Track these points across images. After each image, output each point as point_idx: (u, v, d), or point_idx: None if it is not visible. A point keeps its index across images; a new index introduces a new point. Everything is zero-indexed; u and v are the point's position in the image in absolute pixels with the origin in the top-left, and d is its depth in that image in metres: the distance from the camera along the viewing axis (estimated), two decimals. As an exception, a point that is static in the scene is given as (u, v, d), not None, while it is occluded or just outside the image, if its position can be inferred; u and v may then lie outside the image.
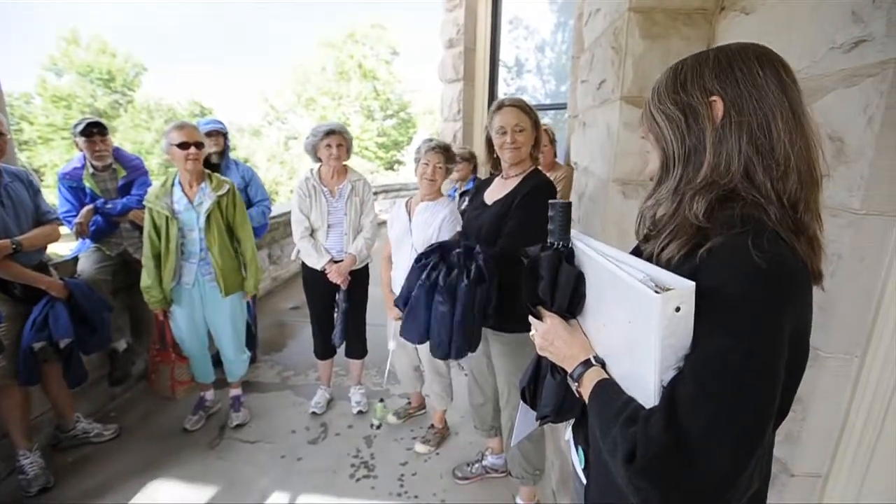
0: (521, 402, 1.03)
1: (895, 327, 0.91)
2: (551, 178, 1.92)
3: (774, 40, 1.18)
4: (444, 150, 2.18)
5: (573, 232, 0.87)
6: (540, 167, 1.91)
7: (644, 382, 0.66)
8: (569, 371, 0.84)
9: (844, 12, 0.92)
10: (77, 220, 2.49)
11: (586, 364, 0.80)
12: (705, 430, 0.57)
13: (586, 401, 0.79)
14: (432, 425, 2.59)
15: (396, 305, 1.89)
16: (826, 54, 0.98)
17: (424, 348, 2.34)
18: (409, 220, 2.25)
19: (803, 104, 0.69)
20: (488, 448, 2.32)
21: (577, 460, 0.93)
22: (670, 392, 0.61)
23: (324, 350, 2.78)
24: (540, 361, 0.95)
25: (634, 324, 0.68)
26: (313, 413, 2.76)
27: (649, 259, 0.74)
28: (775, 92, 0.68)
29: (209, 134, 2.89)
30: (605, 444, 0.68)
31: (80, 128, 2.48)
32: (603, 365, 0.79)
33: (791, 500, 1.07)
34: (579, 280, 0.83)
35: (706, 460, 0.57)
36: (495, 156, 1.87)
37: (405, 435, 2.60)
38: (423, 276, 1.73)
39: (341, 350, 2.79)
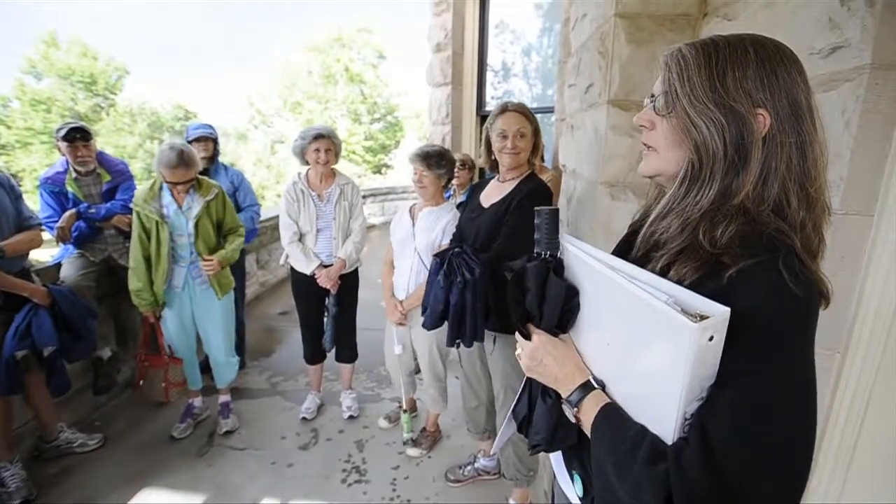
0: (510, 416, 0.95)
1: (874, 324, 0.94)
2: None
3: (755, 46, 1.21)
4: (423, 157, 2.19)
5: (567, 237, 0.80)
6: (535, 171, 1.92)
7: (661, 412, 0.60)
8: (564, 394, 0.75)
9: (822, 19, 0.95)
10: (58, 224, 2.44)
11: (586, 387, 0.72)
12: (750, 472, 0.53)
13: (586, 429, 0.71)
14: (424, 428, 2.59)
15: (429, 327, 1.92)
16: (805, 60, 1.00)
17: (425, 354, 2.34)
18: (413, 224, 2.26)
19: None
20: (481, 450, 2.32)
21: (570, 489, 0.85)
22: (701, 428, 0.55)
23: (313, 355, 2.76)
24: (531, 384, 0.87)
25: (654, 349, 0.61)
26: (304, 419, 2.74)
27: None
28: (811, 108, 0.62)
29: (198, 139, 2.86)
30: (624, 484, 0.61)
31: (63, 132, 2.43)
32: (603, 387, 0.71)
33: (778, 494, 1.09)
34: (570, 293, 0.76)
35: (750, 497, 0.53)
36: (494, 158, 1.88)
37: (397, 439, 2.59)
38: (459, 279, 1.77)
39: (332, 355, 2.77)
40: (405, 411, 2.52)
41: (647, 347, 0.63)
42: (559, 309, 0.76)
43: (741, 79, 0.61)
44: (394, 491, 2.23)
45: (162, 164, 2.20)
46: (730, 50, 0.63)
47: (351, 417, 2.76)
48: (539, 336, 0.78)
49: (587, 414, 0.70)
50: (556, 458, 0.90)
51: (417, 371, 2.67)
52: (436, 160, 2.19)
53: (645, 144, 0.73)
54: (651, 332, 0.61)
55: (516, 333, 0.84)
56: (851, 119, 0.88)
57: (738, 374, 0.55)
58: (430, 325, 1.89)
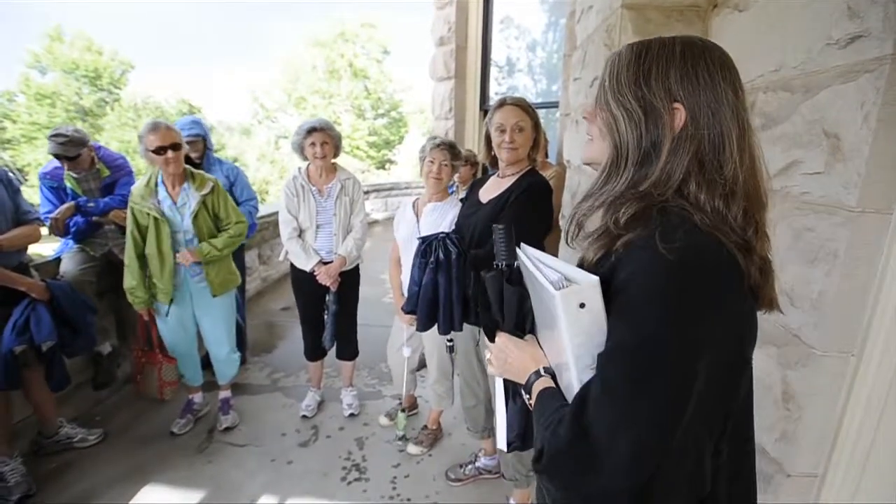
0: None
1: (891, 325, 0.90)
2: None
3: (768, 37, 1.17)
4: (450, 147, 2.14)
5: (525, 248, 0.84)
6: (537, 167, 1.89)
7: (571, 384, 0.64)
8: (522, 384, 0.80)
9: (840, 7, 0.91)
10: (53, 215, 2.41)
11: (536, 375, 0.76)
12: (606, 427, 0.56)
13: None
14: (425, 426, 2.56)
15: (406, 310, 1.95)
16: (822, 50, 0.97)
17: (434, 350, 2.32)
18: (417, 221, 2.21)
19: (750, 119, 0.67)
20: (481, 449, 2.30)
21: None
22: (582, 392, 0.60)
23: (313, 352, 2.74)
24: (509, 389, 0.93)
25: (553, 325, 0.65)
26: (304, 416, 2.72)
27: (582, 265, 0.70)
28: (732, 105, 0.65)
29: (187, 142, 2.81)
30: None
31: (48, 149, 2.38)
32: (554, 377, 0.75)
33: (787, 501, 1.06)
34: (522, 298, 0.82)
35: (605, 460, 0.55)
36: (493, 153, 1.84)
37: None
38: (431, 260, 1.82)
39: (332, 351, 2.75)
40: (403, 410, 2.50)
41: (550, 325, 0.68)
42: (514, 313, 0.82)
43: (664, 76, 0.66)
44: (394, 489, 2.21)
45: (147, 134, 2.15)
46: (659, 49, 0.67)
47: (351, 415, 2.74)
48: (501, 336, 0.84)
49: (533, 398, 0.74)
50: None
51: (419, 368, 2.65)
52: (458, 151, 2.17)
53: (587, 134, 0.79)
54: (549, 309, 0.66)
55: (485, 339, 0.91)
56: (870, 112, 0.85)
57: (613, 337, 0.59)
58: (407, 308, 1.91)
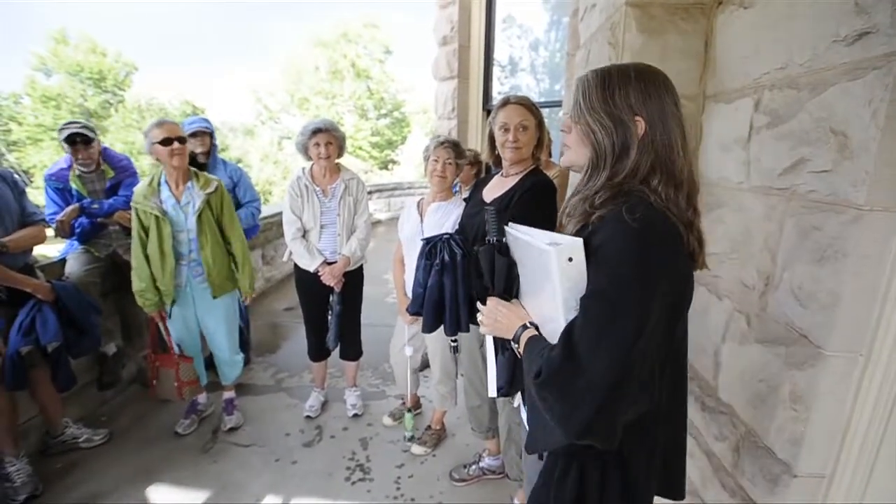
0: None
1: (900, 325, 0.89)
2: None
3: (774, 34, 1.16)
4: (453, 146, 2.14)
5: (513, 225, 1.03)
6: (541, 166, 1.88)
7: (557, 328, 0.82)
8: (511, 338, 0.98)
9: (847, 4, 0.90)
10: (59, 217, 2.43)
11: (523, 328, 0.94)
12: (588, 345, 0.75)
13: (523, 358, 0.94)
14: (429, 426, 2.56)
15: (411, 312, 1.95)
16: (828, 47, 0.96)
17: (437, 351, 2.31)
18: (421, 220, 2.20)
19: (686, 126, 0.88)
20: (485, 449, 2.29)
21: (524, 417, 1.12)
22: (569, 326, 0.79)
23: (317, 352, 2.74)
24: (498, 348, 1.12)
25: (544, 280, 0.84)
26: (308, 417, 2.72)
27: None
28: (675, 116, 0.86)
29: (195, 134, 2.80)
30: (528, 380, 0.86)
31: (64, 135, 2.42)
32: (537, 329, 0.93)
33: (794, 501, 1.05)
34: (511, 267, 1.00)
35: (590, 368, 0.74)
36: (497, 152, 1.84)
37: (401, 437, 2.57)
38: (437, 262, 1.84)
39: (336, 351, 2.75)
40: (409, 409, 2.50)
41: (541, 281, 0.86)
42: (504, 279, 1.00)
43: (625, 95, 0.85)
44: (398, 489, 2.21)
45: (152, 129, 2.17)
46: (619, 75, 0.87)
47: (355, 415, 2.74)
48: (492, 300, 1.02)
49: (522, 346, 0.93)
50: (520, 403, 1.16)
51: (422, 368, 2.64)
52: (461, 149, 2.17)
53: (564, 143, 0.96)
54: (540, 267, 0.85)
55: (478, 303, 1.07)
56: (878, 109, 0.84)
57: (592, 284, 0.79)
58: (412, 310, 1.93)
